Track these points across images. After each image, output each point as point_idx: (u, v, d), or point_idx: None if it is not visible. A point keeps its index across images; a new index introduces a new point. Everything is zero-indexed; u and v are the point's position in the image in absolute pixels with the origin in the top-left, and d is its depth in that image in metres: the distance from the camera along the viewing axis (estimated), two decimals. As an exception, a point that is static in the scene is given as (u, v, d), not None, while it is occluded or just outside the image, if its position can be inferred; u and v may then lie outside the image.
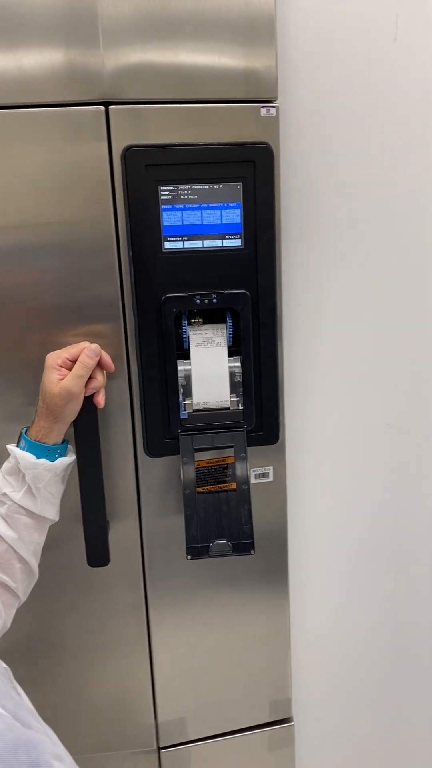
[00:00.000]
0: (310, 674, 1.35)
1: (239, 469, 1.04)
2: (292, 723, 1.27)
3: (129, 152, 0.92)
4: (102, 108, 0.91)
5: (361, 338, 1.18)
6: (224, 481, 1.08)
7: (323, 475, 1.24)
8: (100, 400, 0.94)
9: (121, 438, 1.04)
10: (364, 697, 1.42)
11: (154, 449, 1.05)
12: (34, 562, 0.93)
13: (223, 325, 1.03)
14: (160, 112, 0.93)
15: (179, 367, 1.02)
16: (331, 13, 1.02)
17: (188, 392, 1.03)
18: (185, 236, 0.98)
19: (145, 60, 0.91)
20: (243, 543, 1.02)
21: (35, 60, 0.89)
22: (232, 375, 1.03)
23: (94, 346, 0.93)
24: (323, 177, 1.08)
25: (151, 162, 0.93)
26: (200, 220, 0.98)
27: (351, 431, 1.23)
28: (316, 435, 1.21)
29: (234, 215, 0.98)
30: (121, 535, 1.07)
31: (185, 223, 0.97)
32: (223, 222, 0.98)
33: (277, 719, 1.27)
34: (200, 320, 1.04)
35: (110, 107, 0.91)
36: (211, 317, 1.03)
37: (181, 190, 0.96)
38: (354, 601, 1.35)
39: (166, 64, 0.92)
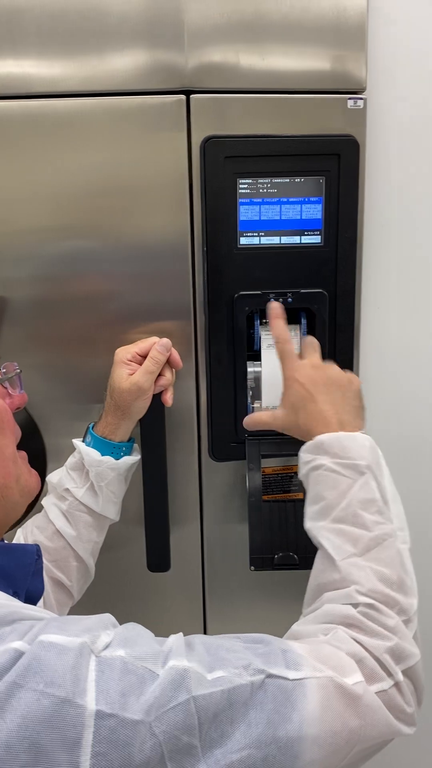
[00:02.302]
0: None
1: (307, 479, 1.00)
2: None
3: (209, 143, 0.89)
4: (183, 97, 0.88)
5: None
6: (290, 491, 1.03)
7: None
8: (168, 398, 0.91)
9: (185, 440, 1.00)
10: None
11: (219, 453, 1.01)
12: (92, 562, 0.91)
13: (297, 327, 0.98)
14: (242, 102, 0.90)
15: (249, 369, 0.98)
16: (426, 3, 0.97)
17: (257, 395, 0.98)
18: (262, 232, 0.94)
19: (230, 57, 0.88)
20: (310, 557, 0.97)
21: (119, 55, 0.87)
22: (304, 379, 0.98)
23: (165, 340, 0.89)
24: (409, 175, 1.02)
25: (231, 153, 0.90)
26: (278, 215, 0.93)
27: (425, 449, 1.15)
28: (385, 450, 1.15)
29: (315, 211, 0.93)
30: (181, 541, 1.03)
31: (263, 218, 0.93)
32: (303, 218, 0.94)
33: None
34: (272, 320, 0.99)
35: (191, 96, 0.88)
36: (282, 318, 0.99)
37: (260, 183, 0.92)
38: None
39: (251, 61, 0.89)
